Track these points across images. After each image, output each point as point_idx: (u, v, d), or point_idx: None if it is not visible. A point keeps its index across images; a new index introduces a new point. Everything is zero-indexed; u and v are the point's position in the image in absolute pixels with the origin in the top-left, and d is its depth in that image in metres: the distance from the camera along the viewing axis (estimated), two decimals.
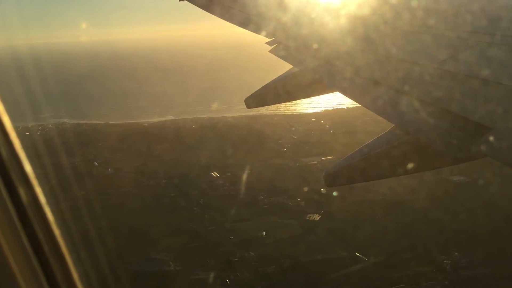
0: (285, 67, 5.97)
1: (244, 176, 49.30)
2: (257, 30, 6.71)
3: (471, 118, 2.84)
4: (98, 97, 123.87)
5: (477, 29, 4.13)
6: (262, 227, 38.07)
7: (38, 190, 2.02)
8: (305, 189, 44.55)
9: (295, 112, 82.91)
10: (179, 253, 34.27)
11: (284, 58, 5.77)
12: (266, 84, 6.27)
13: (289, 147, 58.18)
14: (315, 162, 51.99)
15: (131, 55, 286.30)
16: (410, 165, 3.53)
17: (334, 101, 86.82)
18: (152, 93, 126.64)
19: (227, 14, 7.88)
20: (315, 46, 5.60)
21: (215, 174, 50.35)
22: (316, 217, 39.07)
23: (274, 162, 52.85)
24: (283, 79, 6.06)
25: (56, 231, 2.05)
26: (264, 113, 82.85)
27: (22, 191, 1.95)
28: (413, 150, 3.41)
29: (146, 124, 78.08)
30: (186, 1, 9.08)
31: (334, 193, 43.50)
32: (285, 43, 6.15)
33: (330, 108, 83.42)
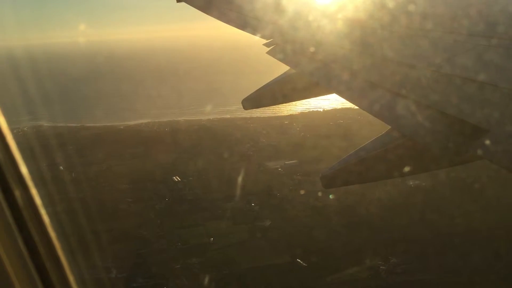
0: (283, 68, 6.01)
1: (205, 181, 49.60)
2: (254, 32, 6.73)
3: (468, 120, 2.84)
4: (84, 99, 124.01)
5: (474, 32, 4.13)
6: (211, 232, 38.28)
7: (34, 192, 2.01)
8: (262, 194, 44.80)
9: (271, 115, 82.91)
10: (124, 260, 34.46)
11: (282, 59, 5.79)
12: (263, 86, 6.30)
13: (256, 151, 58.33)
14: (278, 166, 52.18)
15: (125, 56, 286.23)
16: (406, 168, 3.57)
17: (319, 103, 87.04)
18: (140, 95, 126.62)
19: (224, 16, 7.94)
20: (312, 48, 5.62)
21: (176, 178, 50.53)
22: (267, 222, 39.22)
23: (238, 166, 52.89)
24: (280, 81, 6.10)
25: (52, 234, 2.04)
26: (241, 116, 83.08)
27: (18, 193, 1.93)
28: (410, 153, 3.45)
29: (122, 127, 78.35)
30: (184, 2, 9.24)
31: (291, 199, 43.85)
32: (283, 45, 6.16)
33: (307, 111, 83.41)
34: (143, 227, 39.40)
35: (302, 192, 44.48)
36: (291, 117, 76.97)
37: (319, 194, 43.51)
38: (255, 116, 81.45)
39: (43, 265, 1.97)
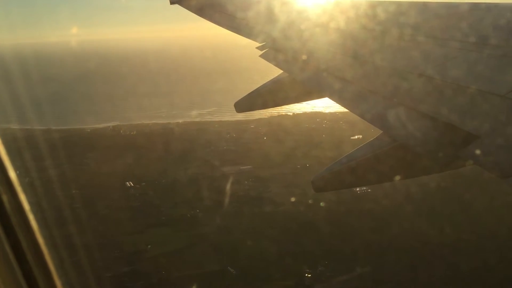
0: (274, 71, 5.98)
1: (157, 186, 49.39)
2: (248, 35, 6.76)
3: (459, 126, 2.85)
4: (60, 100, 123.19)
5: (466, 40, 4.14)
6: (151, 240, 38.07)
7: (22, 197, 1.97)
8: (209, 200, 44.64)
9: (241, 118, 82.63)
10: (55, 269, 34.10)
11: (274, 63, 5.79)
12: (256, 89, 6.27)
13: (215, 155, 58.14)
14: (233, 171, 52.03)
15: (113, 56, 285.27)
16: (397, 172, 3.56)
17: (290, 107, 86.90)
18: (119, 97, 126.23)
19: (218, 19, 7.95)
20: (304, 52, 5.60)
21: (129, 184, 50.29)
22: (207, 229, 39.06)
23: (194, 171, 52.89)
24: (272, 85, 6.10)
25: (40, 240, 2.00)
26: (210, 119, 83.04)
27: (5, 198, 1.90)
28: (401, 158, 3.42)
29: (89, 130, 77.95)
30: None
31: (237, 205, 43.68)
32: (275, 49, 6.14)
33: (276, 115, 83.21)
34: (82, 234, 38.98)
35: (249, 198, 44.48)
36: (259, 121, 76.71)
37: (266, 200, 43.56)
38: (225, 119, 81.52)
39: (30, 271, 1.95)
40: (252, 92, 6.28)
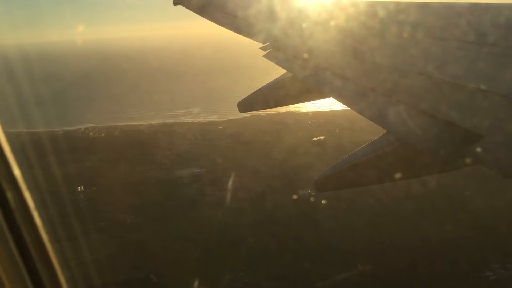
0: (280, 70, 6.01)
1: (108, 191, 49.25)
2: (251, 36, 6.77)
3: (463, 126, 2.85)
4: (47, 101, 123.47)
5: (469, 41, 4.14)
6: (83, 246, 37.82)
7: (27, 194, 1.99)
8: (153, 205, 44.45)
9: (216, 119, 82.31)
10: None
11: (278, 63, 5.82)
12: (259, 89, 6.30)
13: (173, 158, 58.02)
14: (185, 175, 51.79)
15: (113, 56, 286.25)
16: (400, 172, 3.54)
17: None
18: (106, 97, 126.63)
19: (219, 18, 7.98)
20: (307, 52, 5.63)
21: (80, 188, 50.17)
22: (142, 235, 38.82)
23: (148, 175, 52.78)
24: (275, 84, 6.11)
25: (44, 236, 2.04)
26: (183, 120, 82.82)
27: (10, 196, 1.92)
28: (404, 157, 3.40)
29: (61, 133, 77.99)
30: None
31: (180, 210, 43.44)
32: (279, 49, 6.16)
33: (249, 115, 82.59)
34: None
35: (192, 202, 44.22)
36: (229, 122, 76.41)
37: (206, 205, 43.27)
38: (197, 120, 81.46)
39: (34, 267, 1.99)
40: (255, 92, 6.28)
